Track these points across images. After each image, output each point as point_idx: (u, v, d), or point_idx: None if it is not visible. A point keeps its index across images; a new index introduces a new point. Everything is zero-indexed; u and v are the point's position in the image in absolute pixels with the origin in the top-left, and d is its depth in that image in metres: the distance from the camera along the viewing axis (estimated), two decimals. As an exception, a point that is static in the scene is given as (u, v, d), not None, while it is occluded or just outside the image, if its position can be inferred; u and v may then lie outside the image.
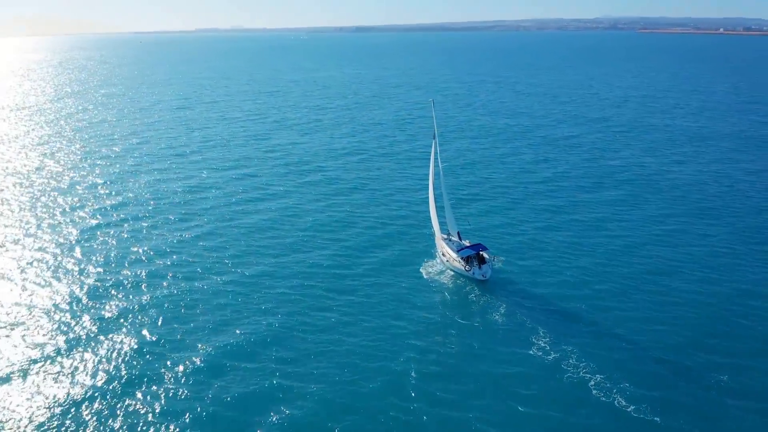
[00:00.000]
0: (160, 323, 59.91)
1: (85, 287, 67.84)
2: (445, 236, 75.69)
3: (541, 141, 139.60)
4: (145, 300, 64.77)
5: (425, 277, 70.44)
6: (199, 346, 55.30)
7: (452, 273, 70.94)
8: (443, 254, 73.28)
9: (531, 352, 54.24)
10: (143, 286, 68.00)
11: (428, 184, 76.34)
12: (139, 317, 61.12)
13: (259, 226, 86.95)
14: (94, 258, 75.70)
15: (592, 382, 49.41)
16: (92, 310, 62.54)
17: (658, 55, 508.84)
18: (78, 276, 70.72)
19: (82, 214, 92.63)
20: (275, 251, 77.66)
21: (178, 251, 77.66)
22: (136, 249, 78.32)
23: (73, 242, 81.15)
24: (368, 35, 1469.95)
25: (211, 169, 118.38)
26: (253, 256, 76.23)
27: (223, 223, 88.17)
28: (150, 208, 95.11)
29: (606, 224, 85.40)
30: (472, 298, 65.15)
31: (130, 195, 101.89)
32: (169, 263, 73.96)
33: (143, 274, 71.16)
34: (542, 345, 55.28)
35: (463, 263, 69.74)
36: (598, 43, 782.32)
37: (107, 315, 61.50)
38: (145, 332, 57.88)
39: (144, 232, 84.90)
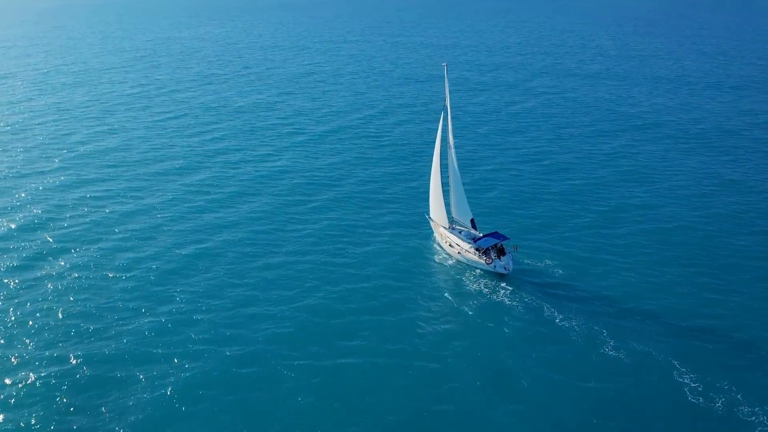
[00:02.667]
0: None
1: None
2: (452, 225, 66.29)
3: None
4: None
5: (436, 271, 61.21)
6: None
7: (450, 266, 62.31)
8: (450, 245, 63.96)
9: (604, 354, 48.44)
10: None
11: (432, 164, 65.92)
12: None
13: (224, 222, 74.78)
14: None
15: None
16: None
17: None
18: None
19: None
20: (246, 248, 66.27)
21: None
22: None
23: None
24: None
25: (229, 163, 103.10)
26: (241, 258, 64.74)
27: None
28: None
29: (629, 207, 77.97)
30: (497, 296, 56.48)
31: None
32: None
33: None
34: (610, 344, 49.36)
35: (481, 255, 60.72)
36: None
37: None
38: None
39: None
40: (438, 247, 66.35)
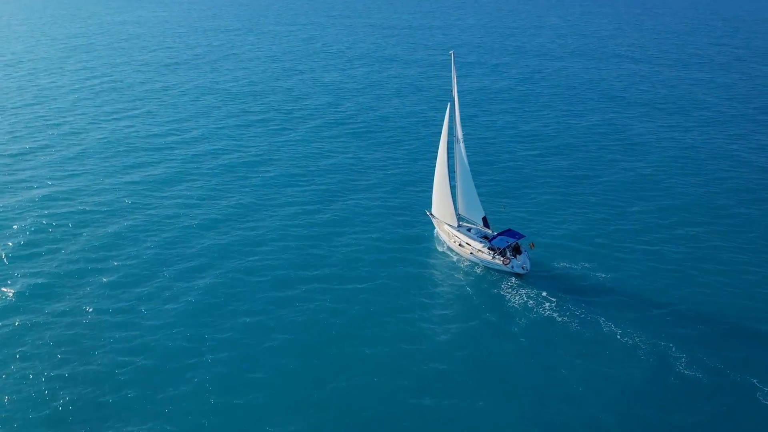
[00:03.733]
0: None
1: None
2: (461, 223, 62.18)
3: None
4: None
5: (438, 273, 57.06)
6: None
7: (459, 267, 58.31)
8: (460, 245, 59.90)
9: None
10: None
11: (437, 159, 61.19)
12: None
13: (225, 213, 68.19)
14: None
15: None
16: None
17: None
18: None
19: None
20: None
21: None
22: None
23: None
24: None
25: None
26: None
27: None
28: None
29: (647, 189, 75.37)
30: (516, 299, 52.86)
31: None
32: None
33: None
34: (681, 361, 45.19)
35: (497, 256, 56.95)
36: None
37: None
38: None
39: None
40: (443, 247, 62.13)
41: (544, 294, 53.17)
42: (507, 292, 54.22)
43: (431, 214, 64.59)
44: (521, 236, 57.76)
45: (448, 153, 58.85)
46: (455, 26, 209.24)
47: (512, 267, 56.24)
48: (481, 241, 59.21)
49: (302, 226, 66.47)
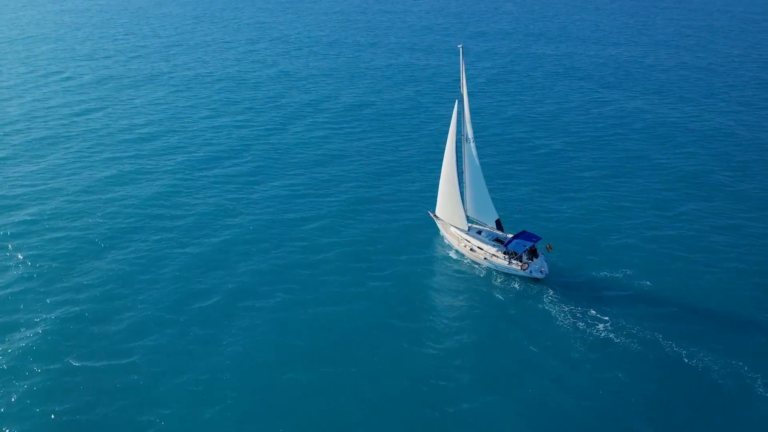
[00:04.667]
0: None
1: None
2: (470, 225, 58.80)
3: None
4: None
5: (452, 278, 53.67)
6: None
7: (469, 271, 55.34)
8: (472, 249, 56.62)
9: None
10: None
11: (444, 159, 57.31)
12: None
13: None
14: None
15: None
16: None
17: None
18: None
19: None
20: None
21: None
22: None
23: None
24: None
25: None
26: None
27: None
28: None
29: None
30: (537, 304, 50.06)
31: None
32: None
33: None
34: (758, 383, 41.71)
35: (512, 260, 53.93)
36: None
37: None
38: None
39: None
40: (449, 250, 58.70)
41: (593, 312, 49.09)
42: (551, 308, 49.79)
43: (435, 215, 60.98)
44: (537, 238, 54.84)
45: (457, 153, 55.13)
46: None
47: (530, 272, 53.39)
48: (494, 245, 56.05)
49: (293, 234, 61.67)
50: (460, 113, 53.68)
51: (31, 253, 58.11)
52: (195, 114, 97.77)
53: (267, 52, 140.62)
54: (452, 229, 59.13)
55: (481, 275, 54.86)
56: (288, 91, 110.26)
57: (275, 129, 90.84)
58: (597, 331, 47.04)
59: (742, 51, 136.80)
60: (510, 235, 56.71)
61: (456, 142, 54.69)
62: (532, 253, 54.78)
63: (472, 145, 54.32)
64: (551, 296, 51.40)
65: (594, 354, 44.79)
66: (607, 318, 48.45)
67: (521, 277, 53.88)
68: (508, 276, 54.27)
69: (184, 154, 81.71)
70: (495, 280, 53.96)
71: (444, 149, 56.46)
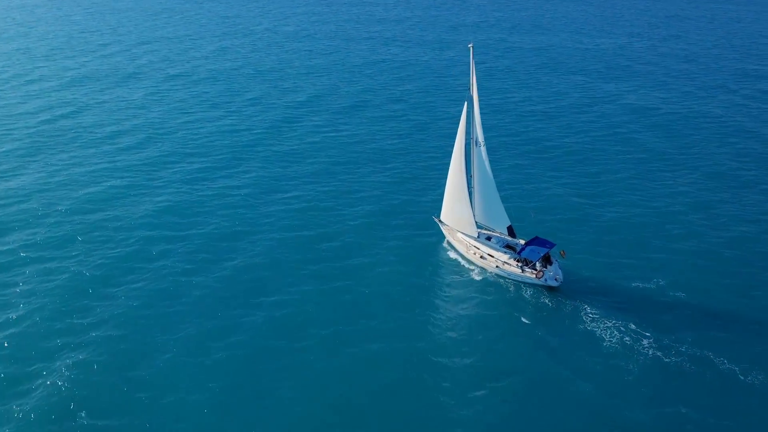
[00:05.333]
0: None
1: None
2: (481, 231, 56.52)
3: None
4: None
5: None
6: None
7: (477, 279, 53.25)
8: (482, 257, 54.38)
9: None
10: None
11: (452, 163, 54.68)
12: None
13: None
14: None
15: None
16: None
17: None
18: None
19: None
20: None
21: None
22: None
23: None
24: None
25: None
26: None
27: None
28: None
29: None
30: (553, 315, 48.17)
31: None
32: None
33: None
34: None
35: (526, 268, 51.93)
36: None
37: None
38: None
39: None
40: (455, 256, 56.41)
41: (633, 326, 46.36)
42: (593, 326, 46.57)
43: (440, 220, 58.52)
44: (551, 245, 52.87)
45: (465, 156, 52.69)
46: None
47: (545, 280, 51.45)
48: (505, 252, 53.94)
49: (291, 239, 58.34)
50: (470, 115, 51.21)
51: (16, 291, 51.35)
52: (173, 119, 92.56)
53: (238, 50, 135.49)
54: (459, 235, 56.80)
55: (493, 284, 52.58)
56: (263, 90, 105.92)
57: (267, 134, 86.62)
58: (643, 348, 44.22)
59: None
60: (521, 242, 54.71)
61: (465, 145, 52.26)
62: (546, 260, 52.84)
63: (483, 148, 51.95)
64: (586, 311, 48.49)
65: (649, 377, 41.71)
66: (648, 334, 45.87)
67: (534, 286, 51.92)
68: (522, 285, 52.21)
69: (170, 164, 76.64)
70: (509, 290, 51.79)
71: (450, 153, 54.04)
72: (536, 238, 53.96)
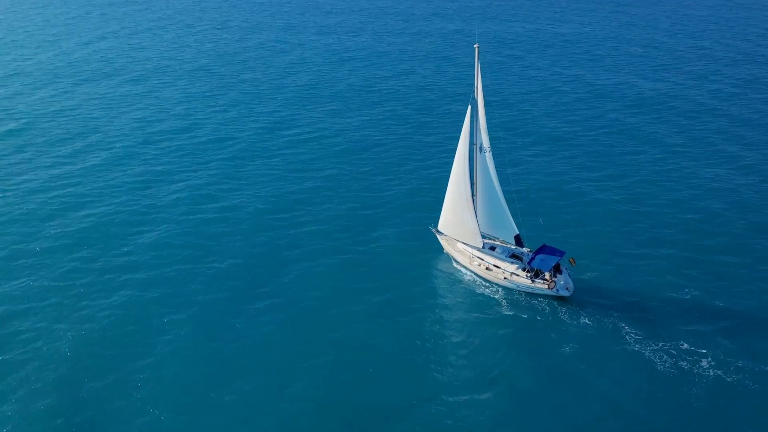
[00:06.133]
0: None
1: None
2: (485, 241, 53.56)
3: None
4: None
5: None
6: None
7: (481, 290, 50.61)
8: (488, 268, 51.53)
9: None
10: None
11: (453, 170, 51.31)
12: None
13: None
14: None
15: None
16: None
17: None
18: None
19: None
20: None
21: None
22: None
23: None
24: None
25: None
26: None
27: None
28: None
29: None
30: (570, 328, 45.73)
31: None
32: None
33: None
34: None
35: (536, 278, 49.35)
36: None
37: None
38: None
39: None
40: (455, 268, 53.56)
41: (685, 346, 43.20)
42: (639, 347, 43.23)
43: (437, 231, 55.40)
44: (561, 253, 50.26)
45: (469, 163, 49.51)
46: None
47: (557, 290, 48.99)
48: (513, 262, 51.23)
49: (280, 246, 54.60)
50: (474, 120, 47.94)
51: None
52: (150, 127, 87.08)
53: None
54: (460, 245, 53.82)
55: (507, 298, 49.77)
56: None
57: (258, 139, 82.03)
58: (702, 370, 41.11)
59: None
60: (527, 250, 52.07)
61: (468, 151, 49.07)
62: (555, 269, 50.35)
63: (489, 154, 48.82)
64: (625, 329, 45.19)
65: (717, 401, 38.91)
66: (704, 351, 42.90)
67: (545, 297, 49.37)
68: (535, 297, 49.56)
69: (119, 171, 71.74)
70: (540, 309, 48.33)
71: (451, 160, 50.79)
72: (544, 246, 51.35)
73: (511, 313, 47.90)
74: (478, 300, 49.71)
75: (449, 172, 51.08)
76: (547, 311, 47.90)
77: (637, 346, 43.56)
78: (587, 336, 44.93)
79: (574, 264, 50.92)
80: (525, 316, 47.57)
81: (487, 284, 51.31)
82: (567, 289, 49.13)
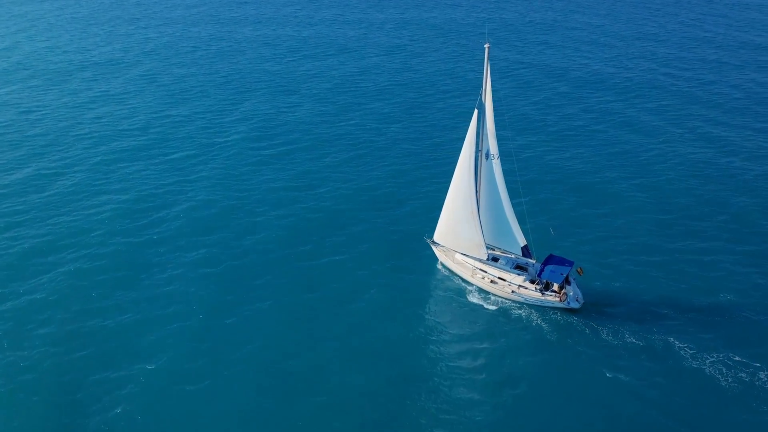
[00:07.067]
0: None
1: None
2: (488, 251, 50.83)
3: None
4: None
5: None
6: None
7: (486, 306, 48.03)
8: (493, 281, 48.89)
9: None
10: None
11: (455, 177, 48.29)
12: None
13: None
14: None
15: None
16: None
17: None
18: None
19: None
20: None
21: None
22: None
23: None
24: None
25: None
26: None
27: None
28: None
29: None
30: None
31: None
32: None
33: None
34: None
35: (546, 291, 47.24)
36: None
37: None
38: None
39: None
40: (460, 282, 50.68)
41: (738, 358, 40.94)
42: (697, 364, 40.59)
43: (433, 242, 52.33)
44: (570, 263, 48.36)
45: (474, 171, 46.83)
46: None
47: (567, 302, 47.01)
48: (519, 274, 48.85)
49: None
50: (480, 125, 45.37)
51: None
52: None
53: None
54: (458, 257, 50.96)
55: (510, 311, 47.31)
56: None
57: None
58: (761, 383, 39.24)
59: None
60: (533, 261, 49.91)
61: (474, 158, 46.44)
62: (564, 280, 48.39)
63: (496, 162, 46.36)
64: (676, 344, 42.82)
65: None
66: (758, 364, 40.90)
67: (557, 310, 47.23)
68: (544, 310, 47.28)
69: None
70: (536, 317, 46.40)
71: (452, 167, 47.97)
72: (551, 256, 49.35)
73: (526, 331, 45.42)
74: (486, 314, 47.00)
75: (449, 181, 48.34)
76: (561, 323, 45.73)
77: (695, 361, 41.35)
78: (652, 358, 42.13)
79: (581, 273, 49.20)
80: (541, 331, 45.20)
81: (492, 298, 48.62)
82: (577, 300, 47.27)
